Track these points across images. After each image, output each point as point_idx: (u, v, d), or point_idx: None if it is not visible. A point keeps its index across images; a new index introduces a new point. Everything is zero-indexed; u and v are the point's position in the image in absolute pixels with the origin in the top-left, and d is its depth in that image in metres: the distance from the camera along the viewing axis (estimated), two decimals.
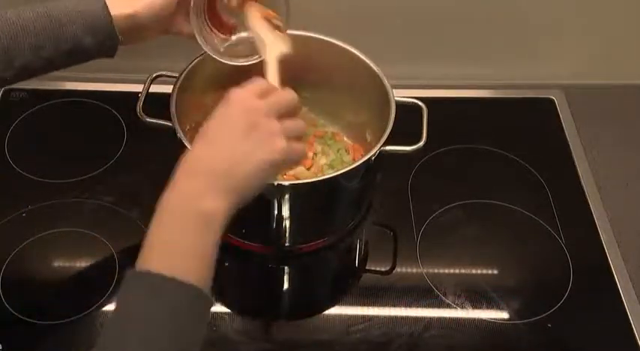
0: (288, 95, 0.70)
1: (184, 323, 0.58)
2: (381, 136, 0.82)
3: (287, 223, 0.87)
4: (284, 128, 0.67)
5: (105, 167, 1.00)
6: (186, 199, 0.62)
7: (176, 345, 0.57)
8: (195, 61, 0.88)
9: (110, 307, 0.85)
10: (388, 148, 0.83)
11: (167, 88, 0.85)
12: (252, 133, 0.65)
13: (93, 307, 0.85)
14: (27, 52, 0.71)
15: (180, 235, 0.61)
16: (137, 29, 0.76)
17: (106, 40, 0.74)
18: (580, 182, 1.02)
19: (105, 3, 0.74)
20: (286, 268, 0.95)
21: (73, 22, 0.72)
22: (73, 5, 0.73)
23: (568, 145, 1.07)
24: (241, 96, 0.68)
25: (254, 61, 0.83)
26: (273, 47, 0.79)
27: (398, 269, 0.92)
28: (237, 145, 0.65)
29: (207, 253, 0.61)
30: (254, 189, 0.66)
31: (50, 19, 0.72)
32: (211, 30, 0.82)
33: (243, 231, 0.90)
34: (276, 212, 0.85)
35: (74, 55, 0.75)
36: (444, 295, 0.89)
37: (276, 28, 0.81)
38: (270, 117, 0.66)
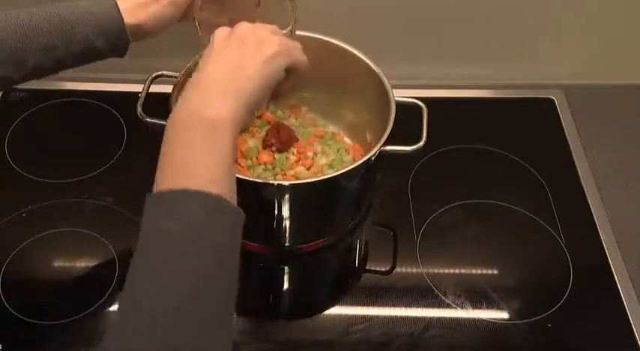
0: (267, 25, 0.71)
1: (208, 233, 0.56)
2: (381, 136, 0.82)
3: (287, 223, 0.87)
4: (273, 35, 0.69)
5: (105, 167, 1.00)
6: (188, 111, 0.61)
7: (204, 257, 0.55)
8: (195, 61, 0.88)
9: (110, 307, 0.85)
10: (388, 148, 0.83)
11: (167, 88, 0.85)
12: (243, 46, 0.66)
13: (93, 307, 0.84)
14: (38, 53, 0.72)
15: (190, 148, 0.59)
16: (143, 35, 0.77)
17: (117, 41, 0.75)
18: (580, 182, 1.02)
19: (116, 4, 0.74)
20: (286, 268, 0.95)
21: (85, 23, 0.73)
22: (84, 7, 0.73)
23: (568, 145, 1.07)
24: (221, 30, 0.69)
25: None
26: None
27: (398, 269, 0.92)
28: (233, 58, 0.66)
29: (222, 159, 0.59)
30: (260, 88, 0.65)
31: (62, 21, 0.72)
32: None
33: (243, 231, 0.90)
34: (276, 212, 0.85)
35: (85, 56, 0.75)
36: (444, 295, 0.89)
37: None
38: (256, 29, 0.68)
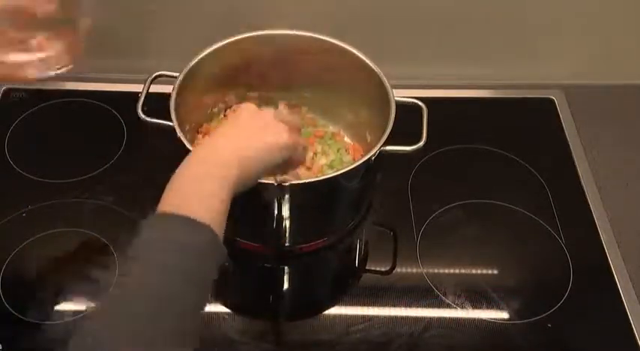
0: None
1: (192, 257, 0.59)
2: (381, 136, 0.82)
3: (287, 223, 0.87)
4: (289, 130, 0.73)
5: (105, 167, 1.00)
6: (201, 162, 0.67)
7: (185, 267, 0.58)
8: (195, 61, 0.88)
9: None
10: (388, 148, 0.83)
11: (167, 88, 0.85)
12: (261, 126, 0.72)
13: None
14: None
15: (195, 184, 0.64)
16: None
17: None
18: (580, 182, 1.02)
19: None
20: (286, 268, 0.95)
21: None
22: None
23: (568, 145, 1.07)
24: (250, 107, 0.74)
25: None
26: None
27: (398, 269, 0.92)
28: (247, 130, 0.71)
29: (220, 204, 0.63)
30: (263, 163, 0.70)
31: None
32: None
33: (243, 231, 0.90)
34: (276, 212, 0.85)
35: None
36: (444, 295, 0.89)
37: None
38: (278, 120, 0.73)
